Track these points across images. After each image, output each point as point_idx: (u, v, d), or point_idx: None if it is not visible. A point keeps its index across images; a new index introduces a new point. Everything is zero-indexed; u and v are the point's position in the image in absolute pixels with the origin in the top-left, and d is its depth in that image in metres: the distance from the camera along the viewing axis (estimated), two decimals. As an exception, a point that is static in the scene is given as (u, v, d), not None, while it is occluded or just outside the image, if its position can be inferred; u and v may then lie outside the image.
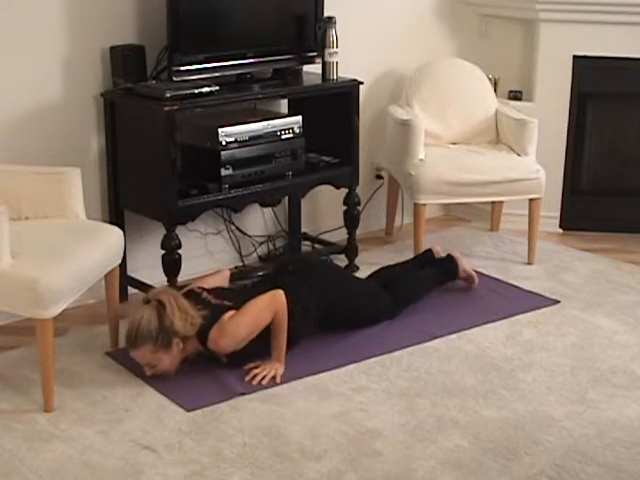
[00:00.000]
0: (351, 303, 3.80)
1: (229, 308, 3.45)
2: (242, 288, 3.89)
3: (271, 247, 4.68)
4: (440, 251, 4.31)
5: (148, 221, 4.01)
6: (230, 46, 4.09)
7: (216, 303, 3.49)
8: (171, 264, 3.86)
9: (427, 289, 4.12)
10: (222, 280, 3.80)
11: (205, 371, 3.48)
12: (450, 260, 4.23)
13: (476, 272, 4.28)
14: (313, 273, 3.80)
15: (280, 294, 3.47)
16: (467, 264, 4.25)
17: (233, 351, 3.43)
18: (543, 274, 4.49)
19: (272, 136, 4.07)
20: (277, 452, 2.99)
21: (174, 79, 3.89)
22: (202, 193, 3.87)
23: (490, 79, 5.02)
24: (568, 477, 2.87)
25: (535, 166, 4.58)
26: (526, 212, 4.61)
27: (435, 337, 3.79)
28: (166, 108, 3.69)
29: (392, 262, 4.26)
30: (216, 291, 3.58)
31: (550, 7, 4.88)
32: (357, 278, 4.10)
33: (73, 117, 3.96)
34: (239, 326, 3.40)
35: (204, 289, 3.58)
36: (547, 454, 2.99)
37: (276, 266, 3.97)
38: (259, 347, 3.48)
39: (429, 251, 4.30)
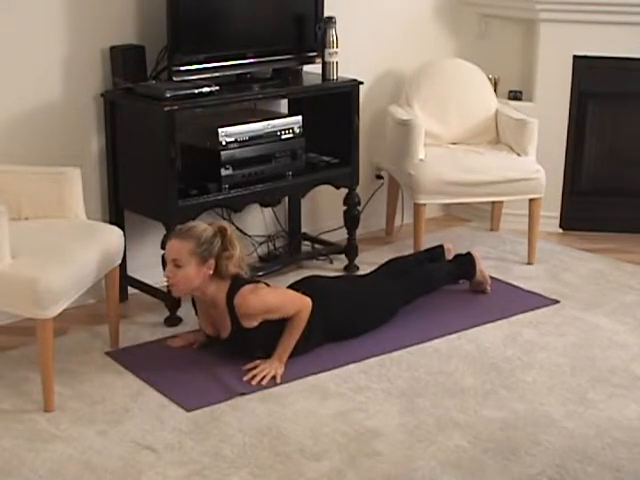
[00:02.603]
0: (363, 320, 3.79)
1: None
2: None
3: (271, 247, 4.68)
4: (452, 250, 4.29)
5: (148, 221, 4.01)
6: (230, 46, 4.10)
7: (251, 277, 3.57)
8: (171, 264, 3.85)
9: (441, 282, 4.12)
10: None
11: (205, 371, 3.49)
12: (469, 258, 4.20)
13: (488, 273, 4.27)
14: (324, 294, 3.73)
15: (309, 301, 3.51)
16: (484, 267, 4.24)
17: (240, 326, 3.42)
18: (543, 274, 4.49)
19: (272, 136, 4.07)
20: (277, 452, 2.99)
21: (174, 79, 3.90)
22: (202, 193, 3.87)
23: (490, 79, 5.02)
24: (568, 477, 2.87)
25: (535, 166, 4.58)
26: (526, 212, 4.61)
27: (435, 337, 3.79)
28: (166, 108, 3.69)
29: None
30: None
31: (550, 7, 4.88)
32: (365, 285, 3.97)
33: (73, 117, 3.96)
34: (271, 295, 3.48)
35: None
36: (547, 454, 2.99)
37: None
38: (263, 336, 3.47)
39: (440, 247, 4.27)
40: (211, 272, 3.40)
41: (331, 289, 3.81)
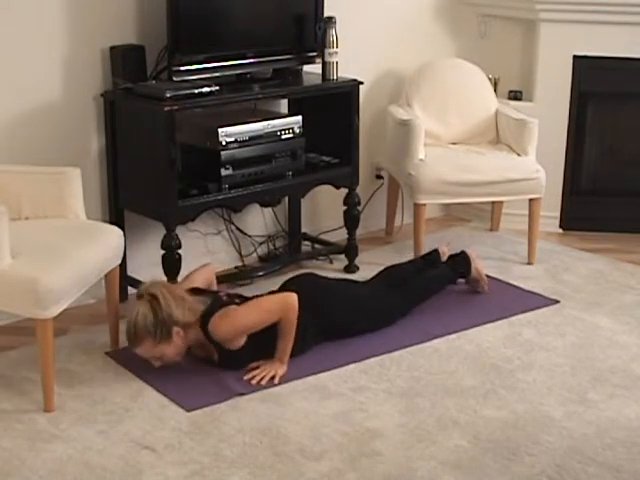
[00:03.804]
0: (360, 321, 3.78)
1: (236, 304, 3.46)
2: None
3: (271, 247, 4.68)
4: (447, 251, 4.28)
5: (148, 221, 4.01)
6: (230, 46, 4.10)
7: (224, 296, 3.50)
8: (171, 264, 3.86)
9: (438, 287, 4.11)
10: (209, 273, 3.74)
11: (205, 371, 3.48)
12: (463, 257, 4.20)
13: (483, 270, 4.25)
14: (320, 291, 3.76)
15: (293, 297, 3.45)
16: (481, 265, 4.23)
17: (225, 350, 3.42)
18: (543, 274, 4.49)
19: (272, 136, 4.07)
20: (277, 452, 2.99)
21: (174, 79, 3.89)
22: (202, 193, 3.87)
23: (490, 79, 5.02)
24: (568, 477, 2.87)
25: (535, 166, 4.58)
26: (526, 212, 4.61)
27: (435, 337, 3.79)
28: (166, 108, 3.69)
29: (392, 262, 4.23)
30: (229, 294, 3.58)
31: (550, 7, 4.88)
32: (365, 287, 3.98)
33: (73, 117, 3.96)
34: (243, 315, 3.40)
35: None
36: (547, 454, 2.99)
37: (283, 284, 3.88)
38: (252, 352, 3.46)
39: (435, 252, 4.26)
40: (182, 333, 3.37)
41: (328, 287, 3.82)
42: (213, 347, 3.45)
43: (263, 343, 3.46)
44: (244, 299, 3.55)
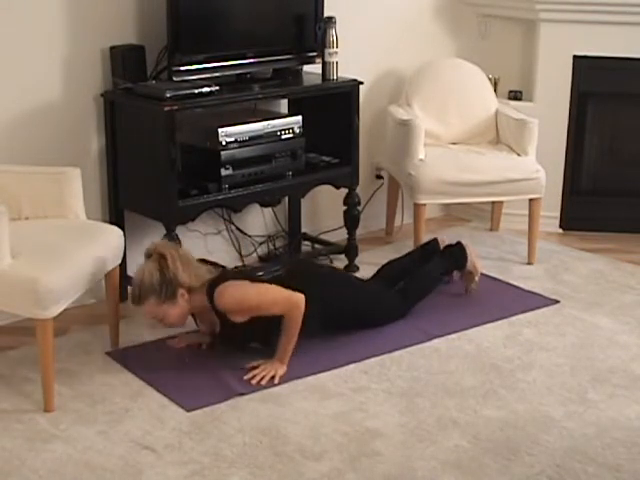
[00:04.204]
0: (358, 310, 3.80)
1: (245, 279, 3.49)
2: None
3: (271, 247, 4.68)
4: (446, 240, 4.26)
5: (148, 221, 4.01)
6: (230, 46, 4.10)
7: (233, 270, 3.51)
8: (171, 264, 3.86)
9: (435, 283, 4.10)
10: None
11: (205, 371, 3.49)
12: (459, 248, 4.18)
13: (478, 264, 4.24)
14: (319, 278, 3.78)
15: (300, 298, 3.45)
16: (477, 257, 4.21)
17: (228, 321, 3.42)
18: (543, 274, 4.50)
19: (272, 136, 4.07)
20: (277, 452, 2.99)
21: (174, 79, 3.89)
22: (202, 193, 3.87)
23: (490, 79, 5.02)
24: (568, 477, 2.87)
25: (535, 166, 4.58)
26: (526, 212, 4.61)
27: (435, 337, 3.79)
28: (166, 108, 3.69)
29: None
30: (239, 270, 3.62)
31: (550, 7, 4.88)
32: (364, 283, 4.02)
33: (73, 117, 3.96)
34: (250, 293, 3.43)
35: None
36: (547, 454, 2.99)
37: (284, 271, 3.91)
38: (253, 333, 3.48)
39: (434, 241, 4.25)
40: (187, 296, 3.41)
41: (329, 274, 3.86)
42: (216, 317, 3.46)
43: (268, 323, 3.45)
44: (252, 279, 3.56)
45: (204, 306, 3.46)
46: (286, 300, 3.45)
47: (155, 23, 3.98)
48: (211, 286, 3.43)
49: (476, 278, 4.19)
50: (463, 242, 4.20)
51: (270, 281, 3.63)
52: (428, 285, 4.07)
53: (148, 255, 3.43)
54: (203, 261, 3.59)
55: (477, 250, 4.33)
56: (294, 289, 3.49)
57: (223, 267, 3.63)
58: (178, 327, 3.55)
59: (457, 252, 4.17)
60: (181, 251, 3.48)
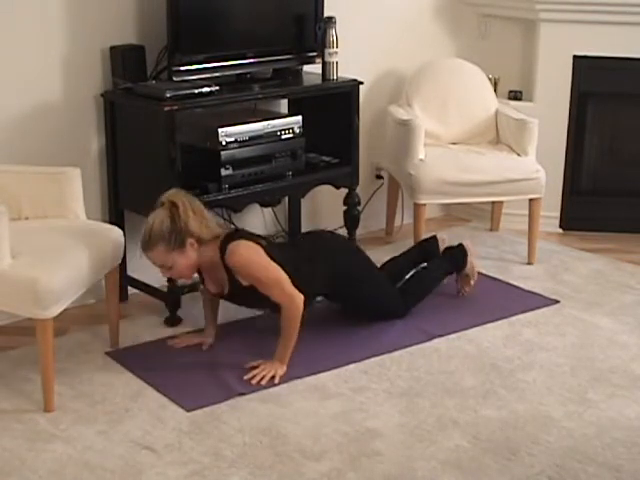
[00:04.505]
0: (366, 287, 3.82)
1: (259, 244, 3.48)
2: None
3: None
4: (446, 240, 4.26)
5: (148, 221, 4.01)
6: (230, 46, 4.10)
7: (248, 231, 3.58)
8: (171, 264, 3.86)
9: (436, 283, 4.11)
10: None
11: (205, 371, 3.49)
12: (460, 250, 4.17)
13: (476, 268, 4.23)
14: (337, 242, 3.89)
15: (301, 300, 3.46)
16: (475, 261, 4.21)
17: (237, 282, 3.44)
18: (543, 274, 4.50)
19: (272, 136, 4.07)
20: (277, 452, 2.99)
21: (174, 79, 3.90)
22: (202, 193, 3.86)
23: (490, 79, 5.02)
24: (568, 477, 2.87)
25: (535, 166, 4.58)
26: (526, 212, 4.61)
27: (435, 337, 3.79)
28: (166, 108, 3.69)
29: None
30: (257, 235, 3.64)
31: (550, 7, 4.88)
32: (380, 270, 4.06)
33: (73, 117, 3.96)
34: (258, 261, 3.42)
35: None
36: (547, 454, 2.99)
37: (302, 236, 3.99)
38: (261, 300, 3.48)
39: (433, 239, 4.25)
40: (196, 246, 3.42)
41: (342, 242, 3.93)
42: (225, 274, 3.46)
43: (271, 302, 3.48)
44: (268, 248, 3.54)
45: (213, 261, 3.46)
46: (288, 293, 3.45)
47: (155, 23, 3.98)
48: (225, 241, 3.43)
49: (472, 282, 4.18)
50: (465, 244, 4.19)
51: (287, 249, 3.70)
52: (428, 285, 4.07)
53: (161, 203, 3.44)
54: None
55: (477, 251, 4.33)
56: (309, 248, 3.59)
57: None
58: (185, 279, 3.56)
59: (458, 254, 4.17)
60: (194, 201, 3.48)
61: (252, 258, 3.43)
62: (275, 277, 3.44)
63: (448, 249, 4.21)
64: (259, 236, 3.62)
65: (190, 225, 3.39)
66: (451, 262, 4.15)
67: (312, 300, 3.67)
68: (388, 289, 3.94)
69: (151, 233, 3.38)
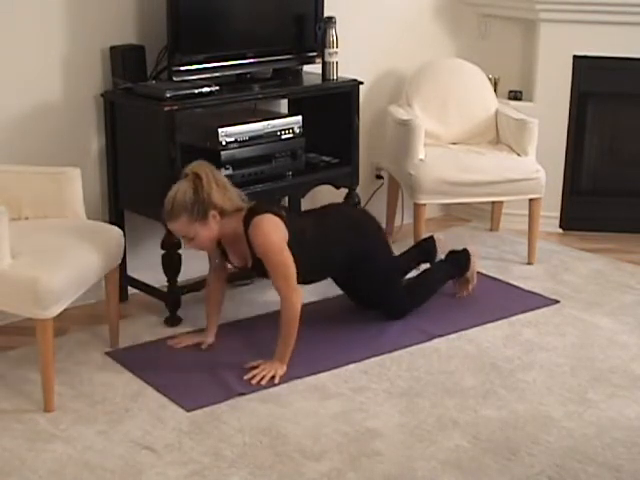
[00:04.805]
0: (380, 273, 3.85)
1: (281, 217, 3.51)
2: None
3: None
4: (443, 240, 4.26)
5: (148, 221, 4.01)
6: (230, 46, 4.10)
7: (270, 203, 3.60)
8: (171, 264, 3.86)
9: (438, 287, 4.12)
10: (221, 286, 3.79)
11: (205, 371, 3.49)
12: (465, 254, 4.17)
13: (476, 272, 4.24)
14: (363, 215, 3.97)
15: (300, 297, 3.46)
16: (477, 267, 4.21)
17: (259, 262, 3.47)
18: (543, 274, 4.50)
19: (272, 136, 4.07)
20: (277, 452, 2.99)
21: (174, 79, 3.90)
22: (202, 193, 3.86)
23: (490, 79, 5.02)
24: (568, 477, 2.87)
25: (535, 166, 4.58)
26: (526, 212, 4.61)
27: (435, 337, 3.79)
28: (166, 108, 3.69)
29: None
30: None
31: (550, 7, 4.88)
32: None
33: (73, 117, 3.96)
34: (277, 244, 3.42)
35: None
36: (547, 454, 2.99)
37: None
38: None
39: (431, 239, 4.25)
40: (218, 218, 3.43)
41: (365, 221, 3.93)
42: (248, 247, 3.48)
43: (305, 268, 3.50)
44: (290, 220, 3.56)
45: (237, 234, 3.47)
46: (291, 286, 3.44)
47: (155, 23, 3.98)
48: (249, 214, 3.45)
49: (470, 286, 4.18)
50: (470, 250, 4.19)
51: (308, 221, 3.73)
52: (432, 288, 4.09)
53: (184, 175, 3.45)
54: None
55: (477, 251, 4.32)
56: (331, 225, 3.71)
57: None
58: (206, 251, 3.60)
59: (462, 258, 4.17)
60: (218, 174, 3.48)
61: (271, 238, 3.43)
62: (285, 266, 3.44)
63: (452, 253, 4.21)
64: (281, 207, 3.64)
65: (213, 197, 3.39)
66: (454, 265, 4.16)
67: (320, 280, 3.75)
68: (398, 284, 3.96)
69: (174, 203, 3.39)
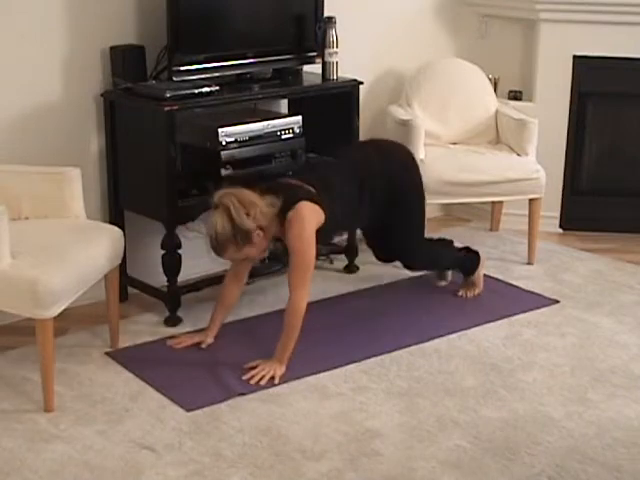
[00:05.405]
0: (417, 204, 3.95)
1: (309, 193, 3.55)
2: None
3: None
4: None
5: (148, 221, 4.01)
6: (230, 46, 4.10)
7: (296, 184, 3.61)
8: (171, 264, 3.86)
9: (446, 262, 4.18)
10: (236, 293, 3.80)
11: (205, 371, 3.49)
12: (477, 256, 4.20)
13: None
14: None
15: (305, 301, 3.46)
16: (483, 272, 4.23)
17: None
18: (543, 274, 4.50)
19: (272, 136, 4.07)
20: (277, 452, 2.99)
21: (174, 79, 3.90)
22: (202, 193, 3.86)
23: (490, 79, 5.02)
24: (568, 477, 2.88)
25: (535, 166, 4.58)
26: (526, 212, 4.61)
27: (435, 337, 3.79)
28: (166, 108, 3.69)
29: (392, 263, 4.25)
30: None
31: (550, 7, 4.88)
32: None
33: (73, 117, 3.96)
34: (310, 234, 3.47)
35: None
36: (547, 454, 2.99)
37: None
38: None
39: (477, 255, 4.26)
40: (263, 233, 3.48)
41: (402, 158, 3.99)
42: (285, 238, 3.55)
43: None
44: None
45: (279, 230, 3.53)
46: (303, 283, 3.46)
47: (155, 23, 3.98)
48: (283, 210, 3.48)
49: (476, 290, 4.20)
50: (482, 257, 4.22)
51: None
52: (442, 259, 4.18)
53: (215, 206, 3.47)
54: (263, 191, 3.58)
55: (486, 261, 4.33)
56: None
57: (282, 186, 3.67)
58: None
59: (473, 257, 4.19)
60: (242, 195, 3.48)
61: (305, 224, 3.47)
62: (306, 259, 3.47)
63: (466, 249, 4.24)
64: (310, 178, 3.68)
65: (246, 224, 3.43)
66: (465, 262, 4.20)
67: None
68: (423, 231, 4.01)
69: (218, 239, 3.44)
